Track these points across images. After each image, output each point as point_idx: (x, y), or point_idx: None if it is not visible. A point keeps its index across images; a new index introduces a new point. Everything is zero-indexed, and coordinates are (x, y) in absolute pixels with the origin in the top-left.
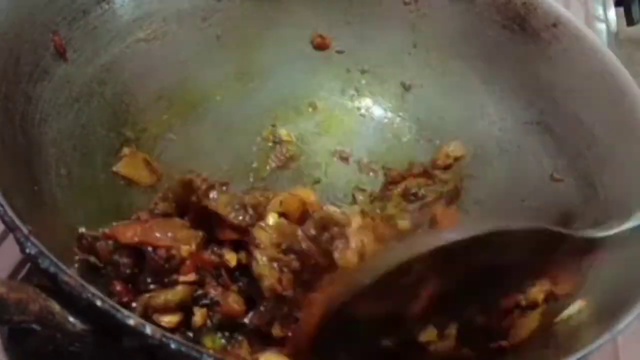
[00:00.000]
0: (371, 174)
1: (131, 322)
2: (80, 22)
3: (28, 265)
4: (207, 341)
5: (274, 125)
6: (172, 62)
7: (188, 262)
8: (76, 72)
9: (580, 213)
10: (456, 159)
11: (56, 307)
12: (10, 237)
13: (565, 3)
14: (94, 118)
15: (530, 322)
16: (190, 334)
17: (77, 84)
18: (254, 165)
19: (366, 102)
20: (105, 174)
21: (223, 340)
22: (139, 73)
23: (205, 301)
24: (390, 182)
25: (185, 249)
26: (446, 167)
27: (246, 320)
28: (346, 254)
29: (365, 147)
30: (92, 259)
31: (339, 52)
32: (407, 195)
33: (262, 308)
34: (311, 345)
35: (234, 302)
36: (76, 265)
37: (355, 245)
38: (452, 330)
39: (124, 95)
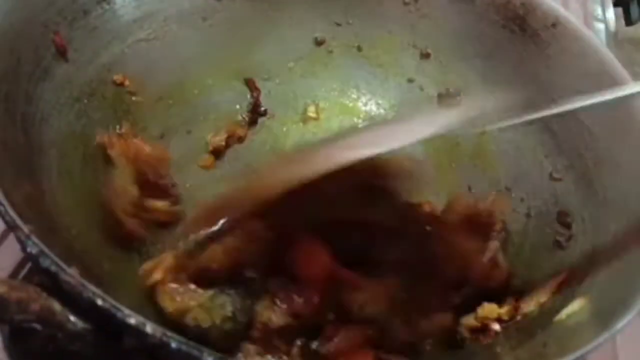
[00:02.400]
0: None
1: (132, 321)
2: (81, 22)
3: (29, 264)
4: None
5: None
6: (172, 62)
7: None
8: (77, 72)
9: (579, 212)
10: None
11: (57, 306)
12: (11, 236)
13: (564, 3)
14: (95, 118)
15: (539, 297)
16: None
17: (77, 83)
18: None
19: (366, 102)
20: (106, 174)
21: None
22: (140, 73)
23: None
24: None
25: None
26: None
27: None
28: None
29: None
30: None
31: (339, 52)
32: None
33: None
34: None
35: None
36: None
37: None
38: None
39: (124, 95)
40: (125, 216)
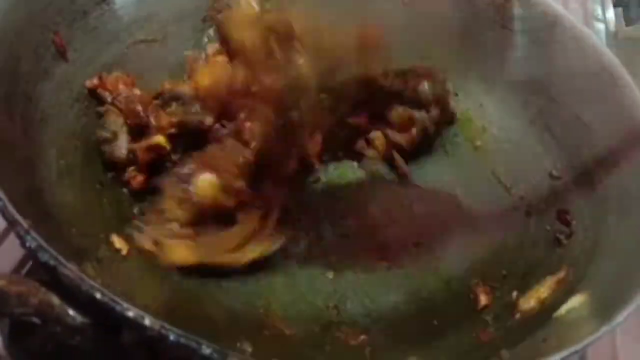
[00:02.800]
0: None
1: (130, 314)
2: (81, 22)
3: (28, 265)
4: None
5: None
6: (172, 63)
7: None
8: (77, 72)
9: (578, 210)
10: None
11: (56, 300)
12: (10, 237)
13: (564, 3)
14: (95, 118)
15: (539, 293)
16: None
17: (77, 84)
18: None
19: None
20: (106, 175)
21: None
22: (139, 74)
23: None
24: None
25: None
26: None
27: None
28: None
29: None
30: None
31: None
32: None
33: None
34: None
35: None
36: None
37: None
38: None
39: None
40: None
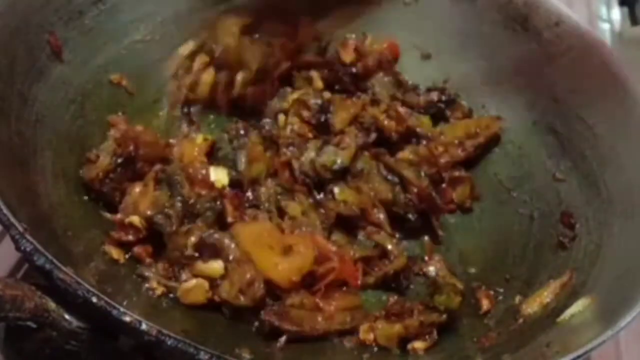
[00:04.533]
0: None
1: (127, 319)
2: (77, 22)
3: (25, 266)
4: None
5: None
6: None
7: None
8: (72, 72)
9: (583, 213)
10: None
11: (52, 304)
12: (3, 243)
13: (568, 3)
14: (90, 119)
15: (542, 297)
16: None
17: (73, 84)
18: None
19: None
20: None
21: None
22: (136, 74)
23: None
24: None
25: None
26: None
27: None
28: None
29: None
30: None
31: None
32: None
33: None
34: None
35: None
36: None
37: None
38: None
39: (120, 97)
40: None
